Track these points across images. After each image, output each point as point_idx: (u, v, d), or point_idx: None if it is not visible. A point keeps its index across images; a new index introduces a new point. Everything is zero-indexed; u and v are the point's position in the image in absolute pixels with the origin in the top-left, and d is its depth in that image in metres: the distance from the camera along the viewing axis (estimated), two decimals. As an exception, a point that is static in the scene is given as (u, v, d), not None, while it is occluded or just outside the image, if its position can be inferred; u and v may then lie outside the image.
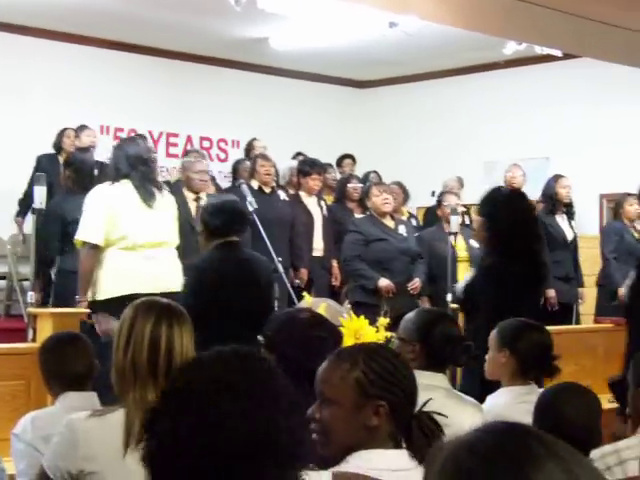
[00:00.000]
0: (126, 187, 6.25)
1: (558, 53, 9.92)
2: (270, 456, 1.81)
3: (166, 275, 5.98)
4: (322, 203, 9.41)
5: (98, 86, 11.14)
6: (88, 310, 5.99)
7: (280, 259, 7.34)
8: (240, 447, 1.78)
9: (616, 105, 11.12)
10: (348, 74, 13.14)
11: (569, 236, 9.14)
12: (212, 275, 5.56)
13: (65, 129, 9.57)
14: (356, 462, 2.50)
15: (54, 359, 3.91)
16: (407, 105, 12.97)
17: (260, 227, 7.33)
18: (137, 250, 6.20)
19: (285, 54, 11.59)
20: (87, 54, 11.16)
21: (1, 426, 4.46)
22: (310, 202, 9.25)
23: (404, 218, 9.11)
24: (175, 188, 7.92)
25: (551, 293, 8.74)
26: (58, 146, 9.49)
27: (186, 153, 10.15)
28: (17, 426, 3.75)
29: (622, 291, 8.78)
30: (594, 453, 3.26)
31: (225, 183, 10.55)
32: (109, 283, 6.15)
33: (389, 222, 8.32)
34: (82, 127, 9.65)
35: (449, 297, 7.72)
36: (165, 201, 6.45)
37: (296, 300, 7.27)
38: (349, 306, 7.51)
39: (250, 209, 7.47)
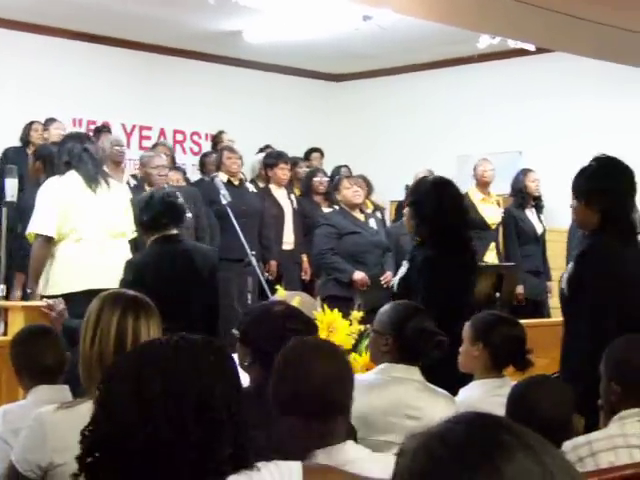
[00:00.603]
0: (75, 179, 6.28)
1: (531, 47, 9.94)
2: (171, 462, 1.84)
3: (120, 268, 5.88)
4: (292, 196, 9.41)
5: (70, 79, 11.07)
6: (42, 303, 5.93)
7: (254, 252, 7.33)
8: (136, 447, 1.84)
9: (588, 99, 11.15)
10: (322, 67, 13.12)
11: (539, 230, 9.19)
12: (149, 270, 5.48)
13: (32, 122, 9.49)
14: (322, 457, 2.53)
15: (25, 352, 3.89)
16: (381, 99, 12.96)
17: (234, 220, 7.30)
18: (89, 242, 6.21)
19: (259, 47, 11.56)
20: (58, 46, 11.08)
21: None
22: (280, 195, 9.26)
23: (370, 211, 9.11)
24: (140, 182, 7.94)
25: (519, 289, 8.78)
26: (25, 139, 9.41)
27: (154, 147, 10.11)
28: (-12, 420, 3.72)
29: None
30: (566, 445, 3.27)
31: (198, 176, 10.51)
32: (63, 278, 6.15)
33: (359, 215, 8.33)
34: (51, 120, 9.56)
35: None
36: (117, 193, 6.46)
37: (269, 293, 7.26)
38: (320, 300, 7.54)
39: (224, 202, 7.46)
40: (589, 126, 11.15)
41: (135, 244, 6.41)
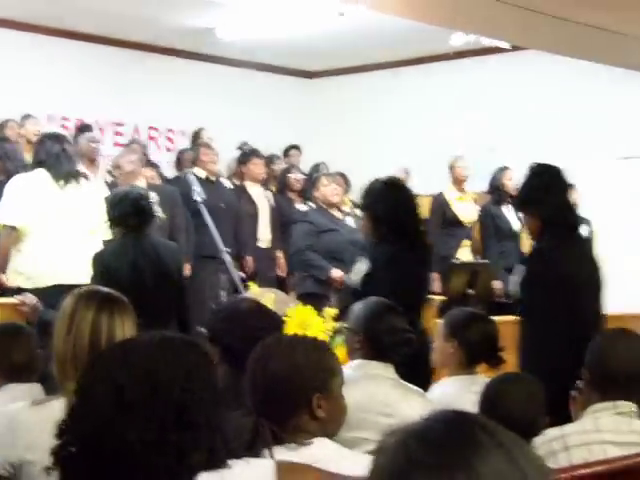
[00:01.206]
0: (42, 176, 6.42)
1: (506, 45, 9.97)
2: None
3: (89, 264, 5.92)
4: (268, 194, 9.40)
5: (44, 75, 11.00)
6: (14, 300, 5.94)
7: (228, 249, 7.30)
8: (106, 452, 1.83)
9: (562, 97, 11.20)
10: (296, 64, 13.11)
11: (515, 227, 9.22)
12: (115, 261, 5.61)
13: (7, 120, 9.44)
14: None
15: (-5, 351, 3.86)
16: (356, 96, 12.96)
17: (208, 217, 7.28)
18: (56, 238, 6.29)
19: (232, 44, 11.53)
20: (32, 43, 11.00)
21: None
22: (255, 192, 9.24)
23: (347, 209, 9.12)
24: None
25: (498, 284, 8.81)
26: (1, 137, 9.35)
27: (127, 145, 10.09)
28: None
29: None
30: (539, 437, 3.28)
31: (173, 173, 10.48)
32: (32, 272, 6.23)
33: (337, 213, 8.33)
34: (26, 116, 9.51)
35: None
36: (89, 191, 6.52)
37: (242, 290, 7.24)
38: (295, 296, 7.54)
39: (198, 199, 7.43)
40: (562, 124, 11.19)
41: None
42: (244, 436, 2.55)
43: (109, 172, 8.83)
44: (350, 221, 8.40)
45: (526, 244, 9.39)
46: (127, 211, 5.66)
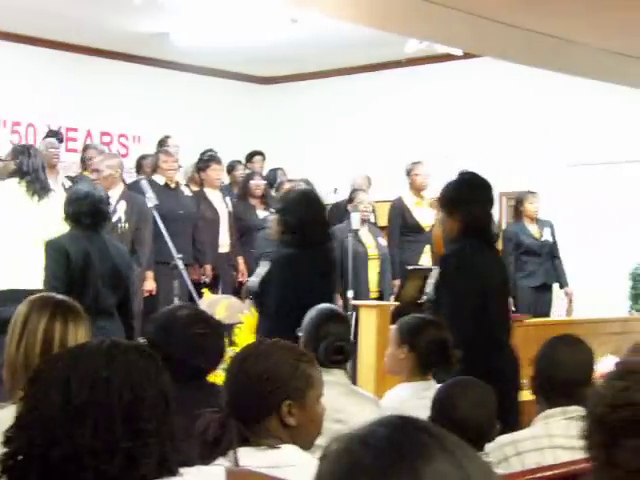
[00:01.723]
0: (15, 186, 6.61)
1: (458, 52, 10.02)
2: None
3: None
4: (227, 199, 9.40)
5: (-5, 79, 10.92)
6: None
7: (181, 255, 7.27)
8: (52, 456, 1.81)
9: (515, 104, 11.28)
10: (251, 70, 13.09)
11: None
12: (70, 247, 5.74)
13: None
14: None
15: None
16: (310, 102, 12.98)
17: (160, 223, 7.25)
18: (18, 245, 6.42)
19: (186, 49, 11.50)
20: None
21: None
22: (215, 198, 9.25)
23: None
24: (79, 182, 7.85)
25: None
26: None
27: (85, 148, 10.05)
28: None
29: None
30: (491, 445, 3.29)
31: (127, 179, 10.43)
32: None
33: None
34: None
35: (350, 293, 7.80)
36: (55, 202, 6.59)
37: (197, 297, 7.23)
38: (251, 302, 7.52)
39: (150, 205, 7.41)
40: (515, 131, 11.28)
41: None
42: (210, 432, 2.55)
43: (68, 177, 8.81)
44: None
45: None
46: (82, 210, 5.77)
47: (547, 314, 9.22)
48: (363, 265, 8.68)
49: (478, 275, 4.71)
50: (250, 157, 11.45)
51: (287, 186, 8.45)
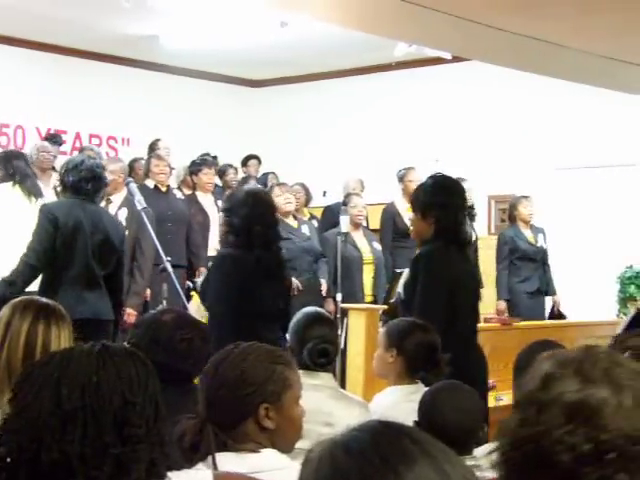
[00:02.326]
0: (11, 189, 6.87)
1: (447, 56, 10.04)
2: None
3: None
4: (219, 203, 9.39)
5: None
6: None
7: (169, 258, 7.25)
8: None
9: (504, 107, 11.30)
10: (240, 73, 13.09)
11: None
12: (63, 218, 5.82)
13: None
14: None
15: None
16: (300, 105, 12.98)
17: (149, 226, 7.23)
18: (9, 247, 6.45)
19: (175, 52, 11.50)
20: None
21: None
22: (206, 202, 9.24)
23: (305, 219, 9.13)
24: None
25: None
26: None
27: (81, 150, 10.02)
28: None
29: (501, 305, 9.05)
30: (480, 450, 3.29)
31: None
32: None
33: (292, 222, 8.38)
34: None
35: (339, 297, 7.80)
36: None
37: (185, 300, 7.21)
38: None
39: (138, 207, 7.39)
40: (503, 135, 11.30)
41: None
42: (187, 439, 2.54)
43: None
44: (305, 229, 8.45)
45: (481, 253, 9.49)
46: (82, 176, 5.85)
47: (542, 319, 9.22)
48: (358, 269, 8.67)
49: (449, 276, 4.77)
50: (245, 161, 11.46)
51: (276, 191, 8.44)
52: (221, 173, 10.35)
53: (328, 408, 3.69)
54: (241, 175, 10.84)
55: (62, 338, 3.03)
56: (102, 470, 1.80)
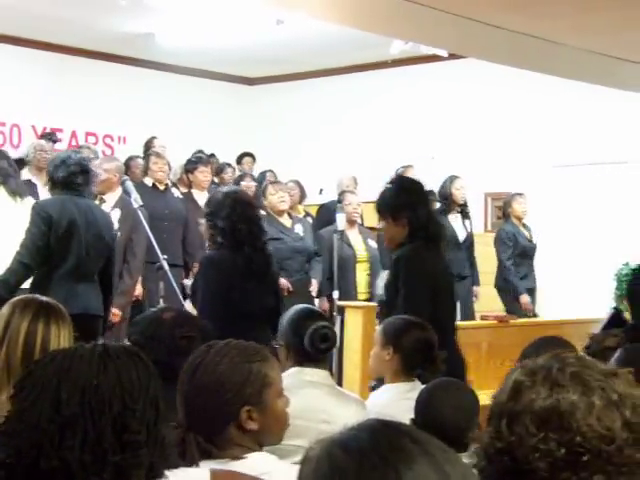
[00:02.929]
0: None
1: (444, 53, 10.03)
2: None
3: None
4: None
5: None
6: None
7: (165, 257, 7.24)
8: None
9: (500, 105, 11.31)
10: (236, 71, 13.09)
11: (461, 236, 9.26)
12: (56, 215, 5.87)
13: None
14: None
15: None
16: (296, 103, 12.98)
17: (145, 224, 7.23)
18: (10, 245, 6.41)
19: (171, 50, 11.49)
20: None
21: None
22: (203, 200, 9.20)
23: (300, 216, 9.12)
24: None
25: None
26: None
27: (78, 148, 10.01)
28: None
29: (525, 298, 9.05)
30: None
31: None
32: None
33: (286, 221, 8.35)
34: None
35: (335, 294, 7.79)
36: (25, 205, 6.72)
37: (182, 299, 7.20)
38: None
39: (135, 206, 7.38)
40: (500, 132, 11.30)
41: None
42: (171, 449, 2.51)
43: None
44: (299, 228, 8.42)
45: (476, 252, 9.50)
46: (71, 171, 5.93)
47: (536, 315, 9.24)
48: (351, 268, 8.64)
49: (429, 276, 4.83)
50: (240, 158, 11.48)
51: (270, 189, 8.42)
52: (219, 171, 10.35)
53: (325, 405, 3.69)
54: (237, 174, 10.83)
55: (62, 337, 3.03)
56: (102, 477, 1.79)
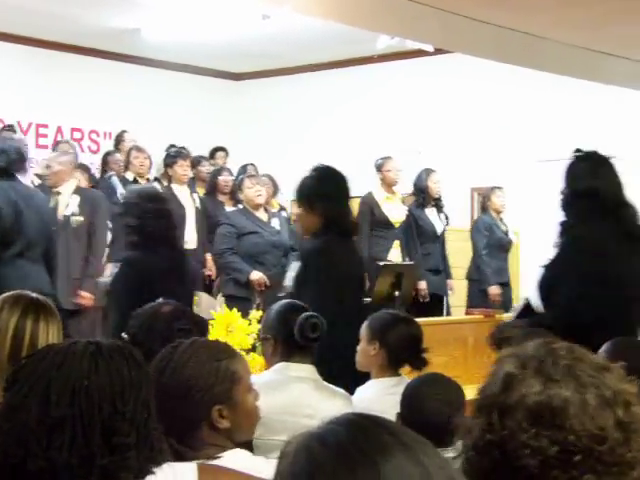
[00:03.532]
0: None
1: (429, 48, 10.04)
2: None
3: None
4: (195, 195, 9.37)
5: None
6: None
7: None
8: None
9: (485, 100, 11.32)
10: (223, 66, 13.07)
11: (439, 229, 9.29)
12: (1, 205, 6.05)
13: None
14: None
15: None
16: (282, 98, 12.97)
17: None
18: None
19: (157, 45, 11.47)
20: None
21: None
22: (182, 194, 9.21)
23: (275, 211, 9.11)
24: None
25: (422, 285, 8.88)
26: None
27: (56, 144, 10.01)
28: None
29: (494, 289, 9.07)
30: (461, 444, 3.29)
31: (98, 175, 10.39)
32: None
33: (262, 215, 8.31)
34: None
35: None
36: None
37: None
38: (222, 299, 7.51)
39: (122, 201, 7.39)
40: (486, 127, 11.31)
41: None
42: None
43: (36, 175, 8.80)
44: (276, 223, 8.39)
45: (453, 245, 9.51)
46: (11, 157, 6.15)
47: (507, 309, 9.26)
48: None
49: (340, 269, 4.80)
50: (213, 153, 11.41)
51: (247, 183, 8.39)
52: (194, 164, 10.29)
53: (311, 400, 3.70)
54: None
55: (50, 334, 3.03)
56: (88, 479, 1.79)
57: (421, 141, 11.63)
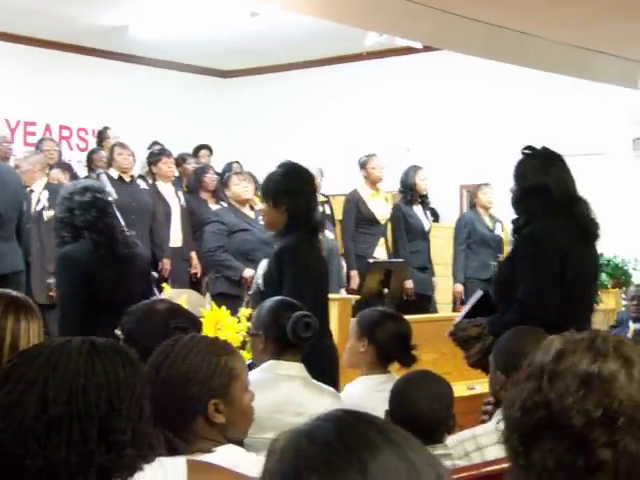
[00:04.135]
0: None
1: (418, 45, 10.04)
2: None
3: None
4: (180, 193, 9.36)
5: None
6: None
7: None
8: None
9: (475, 97, 11.32)
10: (210, 64, 13.05)
11: (426, 226, 9.30)
12: None
13: None
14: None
15: None
16: (269, 96, 12.96)
17: (120, 219, 7.20)
18: None
19: (145, 42, 11.45)
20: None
21: None
22: (167, 192, 9.20)
23: (259, 208, 9.09)
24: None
25: (408, 284, 8.88)
26: None
27: (40, 142, 9.98)
28: None
29: (458, 287, 9.13)
30: (452, 439, 3.30)
31: (85, 173, 10.36)
32: None
33: (249, 212, 8.30)
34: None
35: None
36: None
37: (157, 292, 7.18)
38: (209, 297, 7.49)
39: (110, 199, 7.36)
40: (475, 124, 11.32)
41: None
42: None
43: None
44: (262, 220, 8.38)
45: (433, 243, 9.52)
46: None
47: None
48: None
49: (313, 267, 4.80)
50: (196, 151, 11.37)
51: (234, 179, 8.38)
52: (179, 162, 10.27)
53: (300, 398, 3.69)
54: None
55: (31, 332, 3.01)
56: (86, 477, 1.79)
57: (410, 138, 11.63)
